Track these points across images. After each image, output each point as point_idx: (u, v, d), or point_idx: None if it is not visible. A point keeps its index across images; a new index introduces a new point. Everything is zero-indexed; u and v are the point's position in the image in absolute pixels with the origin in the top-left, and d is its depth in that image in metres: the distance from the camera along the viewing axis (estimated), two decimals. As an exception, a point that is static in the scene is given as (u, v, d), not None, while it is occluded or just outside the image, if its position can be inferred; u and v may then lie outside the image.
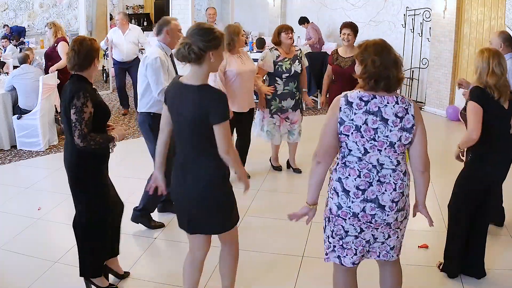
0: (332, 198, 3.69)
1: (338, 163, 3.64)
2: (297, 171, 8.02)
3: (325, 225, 3.85)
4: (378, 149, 3.48)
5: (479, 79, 4.58)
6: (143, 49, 12.34)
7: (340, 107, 3.50)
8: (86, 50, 4.30)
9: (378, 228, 3.62)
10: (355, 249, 3.71)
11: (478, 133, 4.47)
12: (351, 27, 7.65)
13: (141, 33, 11.74)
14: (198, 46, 3.62)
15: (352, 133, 3.47)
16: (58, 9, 14.36)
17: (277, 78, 7.51)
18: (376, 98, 3.46)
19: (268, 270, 5.19)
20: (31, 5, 14.12)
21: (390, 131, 3.45)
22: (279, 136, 7.76)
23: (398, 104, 3.47)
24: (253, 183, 7.37)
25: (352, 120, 3.46)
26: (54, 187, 7.31)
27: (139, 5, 20.48)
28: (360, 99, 3.48)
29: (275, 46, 7.59)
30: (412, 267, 5.04)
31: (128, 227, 5.73)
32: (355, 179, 3.53)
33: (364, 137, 3.46)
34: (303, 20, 14.99)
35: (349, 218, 3.58)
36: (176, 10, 8.11)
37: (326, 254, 3.88)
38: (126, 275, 4.99)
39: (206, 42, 3.64)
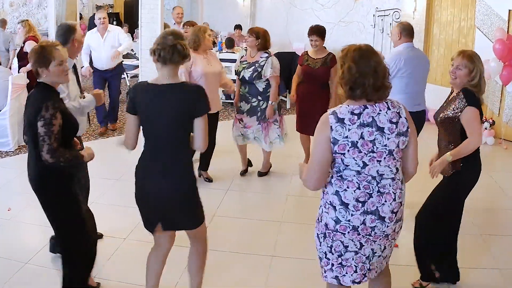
0: (327, 213, 3.48)
1: (332, 176, 3.47)
2: (260, 174, 8.03)
3: (320, 242, 3.61)
4: (377, 160, 3.36)
5: (470, 82, 4.40)
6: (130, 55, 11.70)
7: (331, 126, 3.32)
8: (33, 59, 4.01)
9: (376, 241, 3.51)
10: (355, 265, 3.55)
11: (481, 139, 4.41)
12: (318, 33, 7.74)
13: (121, 32, 10.29)
14: (187, 47, 3.96)
15: (348, 150, 3.31)
16: (28, 8, 14.26)
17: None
18: (367, 108, 3.35)
19: (238, 270, 5.22)
20: (1, 4, 14.00)
21: (388, 139, 3.35)
22: (237, 136, 7.76)
23: (390, 109, 3.39)
24: (222, 184, 7.45)
25: (347, 137, 3.29)
26: (24, 187, 7.07)
27: (109, 4, 20.37)
28: (351, 113, 3.33)
29: (246, 47, 7.66)
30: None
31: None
32: (354, 191, 3.39)
33: (362, 152, 3.31)
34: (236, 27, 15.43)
35: (348, 232, 3.42)
36: (145, 10, 8.10)
37: (324, 272, 3.67)
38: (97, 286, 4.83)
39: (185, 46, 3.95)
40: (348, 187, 3.40)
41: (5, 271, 5.03)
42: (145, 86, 4.00)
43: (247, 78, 7.40)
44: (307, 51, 8.03)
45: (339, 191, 3.43)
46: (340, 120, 3.31)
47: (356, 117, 3.32)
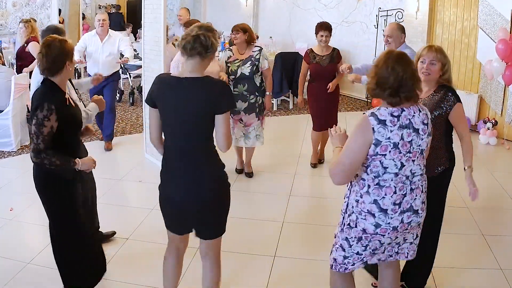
0: (365, 219, 3.55)
1: (369, 186, 3.54)
2: (249, 175, 7.95)
3: (351, 245, 3.68)
4: (412, 160, 3.49)
5: (445, 76, 4.36)
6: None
7: (373, 128, 3.39)
8: (55, 54, 3.96)
9: (410, 231, 3.69)
10: (384, 249, 3.74)
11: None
12: (328, 29, 7.88)
13: (123, 39, 9.49)
14: (212, 39, 3.69)
15: (390, 151, 3.41)
16: (31, 8, 14.23)
17: (228, 79, 7.51)
18: (404, 110, 3.44)
19: (240, 270, 5.22)
20: (4, 4, 13.98)
21: (422, 139, 3.50)
22: (233, 138, 7.63)
23: (420, 111, 3.52)
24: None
25: (389, 138, 3.39)
26: (26, 187, 7.11)
27: (112, 4, 20.34)
28: (391, 115, 3.41)
29: (229, 47, 7.66)
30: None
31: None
32: (391, 196, 3.50)
33: (401, 153, 3.43)
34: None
35: (388, 233, 3.56)
36: (148, 10, 8.07)
37: (353, 264, 3.75)
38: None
39: (214, 38, 3.72)
40: (386, 194, 3.51)
41: (7, 271, 5.03)
42: (167, 78, 3.82)
43: (247, 74, 7.39)
44: (311, 48, 8.12)
45: (377, 199, 3.53)
46: (382, 122, 3.40)
47: (396, 119, 3.42)
